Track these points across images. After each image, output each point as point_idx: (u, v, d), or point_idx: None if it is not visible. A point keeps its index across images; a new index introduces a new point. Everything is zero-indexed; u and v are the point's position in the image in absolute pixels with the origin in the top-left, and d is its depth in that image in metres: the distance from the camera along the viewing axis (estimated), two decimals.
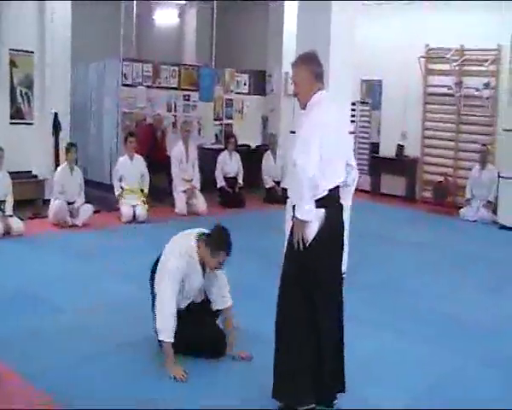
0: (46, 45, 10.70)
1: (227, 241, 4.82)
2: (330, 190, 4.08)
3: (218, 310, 5.11)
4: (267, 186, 12.34)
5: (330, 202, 4.10)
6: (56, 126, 10.74)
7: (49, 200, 9.73)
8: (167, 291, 4.76)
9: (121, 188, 10.18)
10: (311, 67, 4.19)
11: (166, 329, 4.69)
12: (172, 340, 4.69)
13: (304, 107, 4.22)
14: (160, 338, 4.73)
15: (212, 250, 4.81)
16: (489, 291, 7.36)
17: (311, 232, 4.04)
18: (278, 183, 12.32)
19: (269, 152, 12.59)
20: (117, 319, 5.85)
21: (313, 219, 4.00)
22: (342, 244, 4.32)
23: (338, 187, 4.17)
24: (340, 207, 4.25)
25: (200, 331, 4.99)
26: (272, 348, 4.21)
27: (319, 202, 4.03)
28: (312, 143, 3.97)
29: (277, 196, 11.50)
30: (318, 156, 3.97)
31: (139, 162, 10.35)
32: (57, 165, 10.09)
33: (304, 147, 3.99)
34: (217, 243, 4.82)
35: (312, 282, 4.09)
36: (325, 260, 4.12)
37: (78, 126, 12.51)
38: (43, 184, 10.47)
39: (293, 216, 4.08)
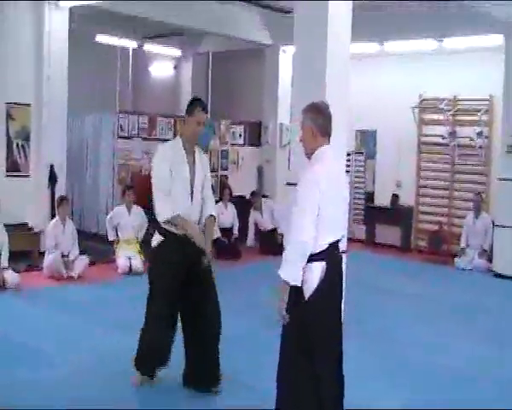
0: (43, 98, 10.81)
1: (198, 98, 5.38)
2: (330, 244, 4.07)
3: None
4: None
5: (330, 255, 4.08)
6: (52, 178, 10.79)
7: (44, 252, 9.71)
8: (160, 170, 5.13)
9: (117, 237, 10.23)
10: (315, 119, 4.16)
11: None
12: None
13: (309, 156, 4.20)
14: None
15: (187, 114, 5.16)
16: (485, 342, 7.31)
17: (311, 286, 3.99)
18: (275, 229, 12.25)
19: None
20: (110, 372, 5.81)
21: (299, 280, 3.95)
22: (341, 297, 4.29)
23: (338, 240, 4.16)
24: (340, 259, 4.24)
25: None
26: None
27: (319, 256, 4.00)
28: (310, 204, 3.93)
29: (274, 246, 11.47)
30: (315, 216, 3.93)
31: (138, 214, 10.37)
32: (53, 216, 10.11)
33: (301, 209, 3.95)
34: (189, 105, 5.22)
35: (311, 337, 4.04)
36: (325, 315, 4.08)
37: (74, 178, 12.60)
38: (39, 236, 10.46)
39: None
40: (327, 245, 4.04)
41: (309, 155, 4.20)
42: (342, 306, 4.31)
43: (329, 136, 4.20)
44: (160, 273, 5.19)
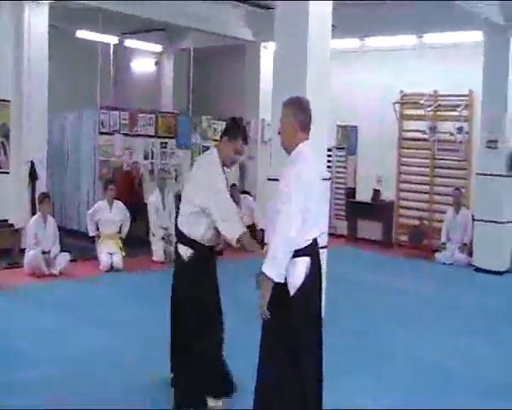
0: (23, 94, 10.74)
1: (242, 128, 5.08)
2: (314, 239, 4.10)
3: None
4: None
5: (314, 250, 4.10)
6: (33, 175, 10.73)
7: (25, 249, 9.66)
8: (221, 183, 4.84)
9: (98, 232, 10.24)
10: (297, 115, 4.15)
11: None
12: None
13: (288, 152, 4.19)
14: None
15: (229, 139, 4.92)
16: (464, 335, 7.39)
17: (297, 282, 3.99)
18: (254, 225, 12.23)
19: None
20: (94, 369, 5.81)
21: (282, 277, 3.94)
22: (321, 292, 4.30)
23: (316, 238, 4.18)
24: (319, 255, 4.22)
25: None
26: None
27: (304, 251, 4.01)
28: (296, 201, 3.91)
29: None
30: (301, 212, 3.92)
31: (119, 209, 10.38)
32: (33, 213, 10.06)
33: (288, 206, 3.92)
34: (233, 127, 4.99)
35: (296, 333, 4.03)
36: (309, 310, 4.08)
37: (55, 175, 12.55)
38: (20, 233, 10.40)
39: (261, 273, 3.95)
40: (311, 240, 4.06)
41: (288, 149, 4.18)
42: (323, 302, 4.33)
43: (309, 132, 4.20)
44: (204, 290, 4.98)
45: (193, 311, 4.88)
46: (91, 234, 10.24)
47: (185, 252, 4.88)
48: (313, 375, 4.10)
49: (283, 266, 3.90)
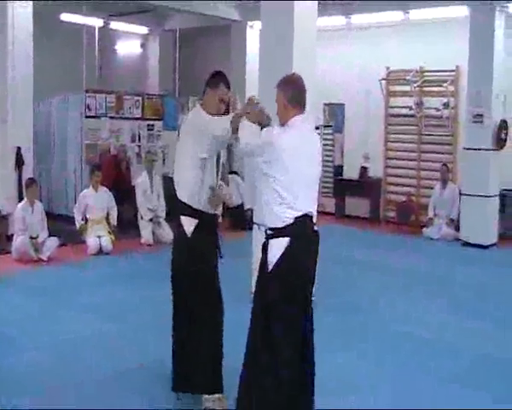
0: (7, 79, 10.67)
1: (223, 74, 4.89)
2: (297, 219, 4.04)
3: None
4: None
5: (296, 231, 4.04)
6: (19, 161, 10.70)
7: (13, 235, 9.65)
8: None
9: (86, 219, 10.20)
10: (285, 91, 4.22)
11: None
12: None
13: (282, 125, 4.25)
14: None
15: (211, 88, 4.79)
16: (452, 309, 7.48)
17: (273, 260, 4.02)
18: (241, 205, 12.26)
19: None
20: (83, 354, 5.83)
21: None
22: (311, 276, 4.22)
23: (308, 217, 4.12)
24: (311, 237, 4.17)
25: None
26: None
27: (283, 231, 4.02)
28: (260, 148, 4.10)
29: (242, 221, 11.55)
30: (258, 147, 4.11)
31: (105, 194, 10.38)
32: (21, 199, 10.02)
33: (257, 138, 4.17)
34: (213, 77, 4.85)
35: (266, 305, 4.06)
36: (287, 288, 4.05)
37: (42, 160, 12.50)
38: (7, 219, 10.39)
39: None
40: (292, 220, 4.03)
41: (282, 124, 4.24)
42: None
43: (302, 105, 4.22)
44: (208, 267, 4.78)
45: (196, 290, 4.66)
46: (78, 225, 10.19)
47: (189, 225, 4.65)
48: (293, 356, 4.06)
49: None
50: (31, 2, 10.75)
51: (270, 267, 4.05)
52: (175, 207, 4.85)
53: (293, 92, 4.21)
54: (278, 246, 4.03)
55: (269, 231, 4.11)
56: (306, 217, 4.10)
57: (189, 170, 4.68)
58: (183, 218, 4.70)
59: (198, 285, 4.65)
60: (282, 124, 4.21)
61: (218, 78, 4.84)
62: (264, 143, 4.10)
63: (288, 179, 4.02)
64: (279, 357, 4.03)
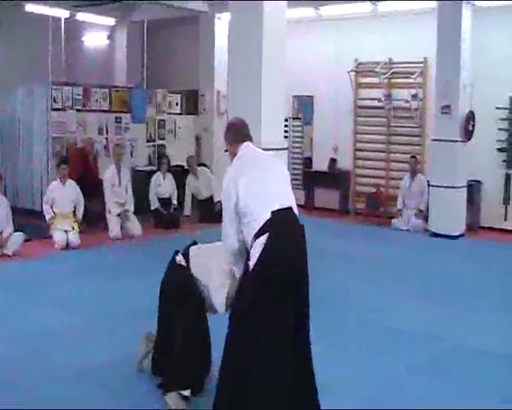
0: None
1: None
2: (274, 213, 4.01)
3: None
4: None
5: (274, 224, 4.00)
6: None
7: None
8: None
9: (53, 213, 10.03)
10: (228, 135, 4.57)
11: None
12: None
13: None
14: None
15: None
16: (421, 298, 7.51)
17: (253, 259, 3.98)
18: (211, 198, 12.20)
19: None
20: (50, 348, 5.74)
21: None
22: (298, 269, 4.16)
23: (286, 209, 4.10)
24: (293, 228, 4.14)
25: None
26: None
27: (262, 230, 3.99)
28: (229, 210, 4.17)
29: (212, 214, 11.46)
30: (232, 215, 4.15)
31: (72, 188, 10.23)
32: None
33: (224, 218, 4.26)
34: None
35: (253, 307, 3.98)
36: (267, 286, 3.95)
37: (7, 153, 12.30)
38: None
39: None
40: (269, 215, 4.00)
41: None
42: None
43: (246, 138, 4.49)
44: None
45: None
46: (48, 217, 10.01)
47: None
48: (275, 355, 3.96)
49: (239, 264, 4.26)
50: None
51: (252, 266, 3.99)
52: None
53: (234, 133, 4.56)
54: (259, 243, 3.99)
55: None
56: (283, 210, 4.09)
57: None
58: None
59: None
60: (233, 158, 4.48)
61: None
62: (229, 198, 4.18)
63: (249, 194, 4.09)
64: (261, 356, 3.95)
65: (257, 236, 4.00)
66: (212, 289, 4.61)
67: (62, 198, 10.09)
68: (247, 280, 4.08)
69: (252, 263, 3.99)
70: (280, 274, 3.99)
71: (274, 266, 3.97)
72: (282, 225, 4.04)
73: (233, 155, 4.48)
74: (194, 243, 4.96)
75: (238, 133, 4.54)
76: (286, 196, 4.20)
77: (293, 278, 4.08)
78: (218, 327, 4.30)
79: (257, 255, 3.95)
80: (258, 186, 4.13)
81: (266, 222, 3.99)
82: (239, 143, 4.46)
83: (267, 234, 3.97)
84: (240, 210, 4.09)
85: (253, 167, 4.29)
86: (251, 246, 4.04)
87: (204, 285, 4.66)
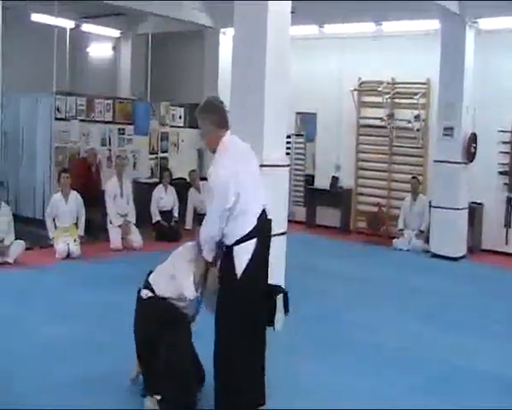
0: None
1: None
2: (258, 218, 4.14)
3: None
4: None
5: (261, 229, 4.15)
6: None
7: None
8: None
9: (55, 227, 10.02)
10: (210, 116, 4.30)
11: None
12: None
13: (213, 151, 4.33)
14: None
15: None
16: (421, 320, 7.49)
17: (242, 265, 4.06)
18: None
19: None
20: (47, 358, 5.71)
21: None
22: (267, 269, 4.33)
23: (263, 212, 4.21)
24: (268, 230, 4.29)
25: None
26: None
27: (251, 234, 4.08)
28: (216, 207, 4.11)
29: None
30: (222, 211, 4.09)
31: (74, 200, 10.17)
32: None
33: (209, 207, 4.18)
34: None
35: (242, 317, 4.10)
36: (253, 292, 4.14)
37: (10, 161, 12.28)
38: None
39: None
40: (255, 221, 4.11)
41: (213, 149, 4.32)
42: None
43: (228, 125, 4.33)
44: None
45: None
46: (51, 234, 9.96)
47: None
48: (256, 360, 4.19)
49: (211, 252, 4.26)
50: (0, 2, 10.56)
51: (239, 275, 4.03)
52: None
53: (218, 115, 4.31)
54: (244, 251, 4.08)
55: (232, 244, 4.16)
56: (264, 214, 4.22)
57: None
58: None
59: None
60: (213, 147, 4.29)
61: None
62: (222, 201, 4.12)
63: (243, 194, 4.11)
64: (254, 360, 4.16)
65: (243, 240, 4.09)
66: (182, 286, 4.54)
67: (65, 213, 10.04)
68: (234, 290, 4.13)
69: (239, 271, 4.07)
70: (263, 281, 4.25)
71: (260, 274, 4.20)
72: (263, 231, 4.19)
73: (215, 142, 4.28)
74: (150, 273, 4.85)
75: (224, 118, 4.35)
76: (261, 200, 4.27)
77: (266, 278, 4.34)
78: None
79: (244, 265, 4.06)
80: (250, 181, 4.19)
81: (254, 227, 4.10)
82: (225, 128, 4.30)
83: (254, 241, 4.08)
84: (235, 205, 4.10)
85: (244, 161, 4.24)
86: (234, 244, 4.11)
87: (177, 294, 4.59)
